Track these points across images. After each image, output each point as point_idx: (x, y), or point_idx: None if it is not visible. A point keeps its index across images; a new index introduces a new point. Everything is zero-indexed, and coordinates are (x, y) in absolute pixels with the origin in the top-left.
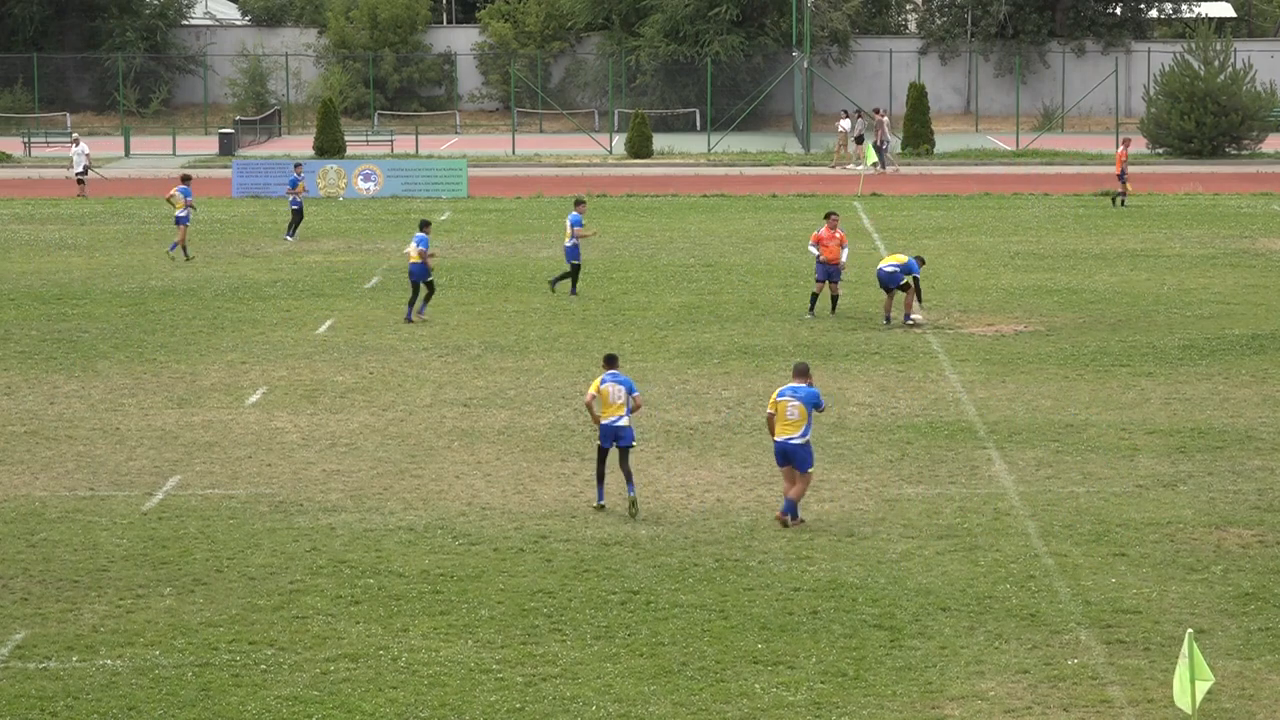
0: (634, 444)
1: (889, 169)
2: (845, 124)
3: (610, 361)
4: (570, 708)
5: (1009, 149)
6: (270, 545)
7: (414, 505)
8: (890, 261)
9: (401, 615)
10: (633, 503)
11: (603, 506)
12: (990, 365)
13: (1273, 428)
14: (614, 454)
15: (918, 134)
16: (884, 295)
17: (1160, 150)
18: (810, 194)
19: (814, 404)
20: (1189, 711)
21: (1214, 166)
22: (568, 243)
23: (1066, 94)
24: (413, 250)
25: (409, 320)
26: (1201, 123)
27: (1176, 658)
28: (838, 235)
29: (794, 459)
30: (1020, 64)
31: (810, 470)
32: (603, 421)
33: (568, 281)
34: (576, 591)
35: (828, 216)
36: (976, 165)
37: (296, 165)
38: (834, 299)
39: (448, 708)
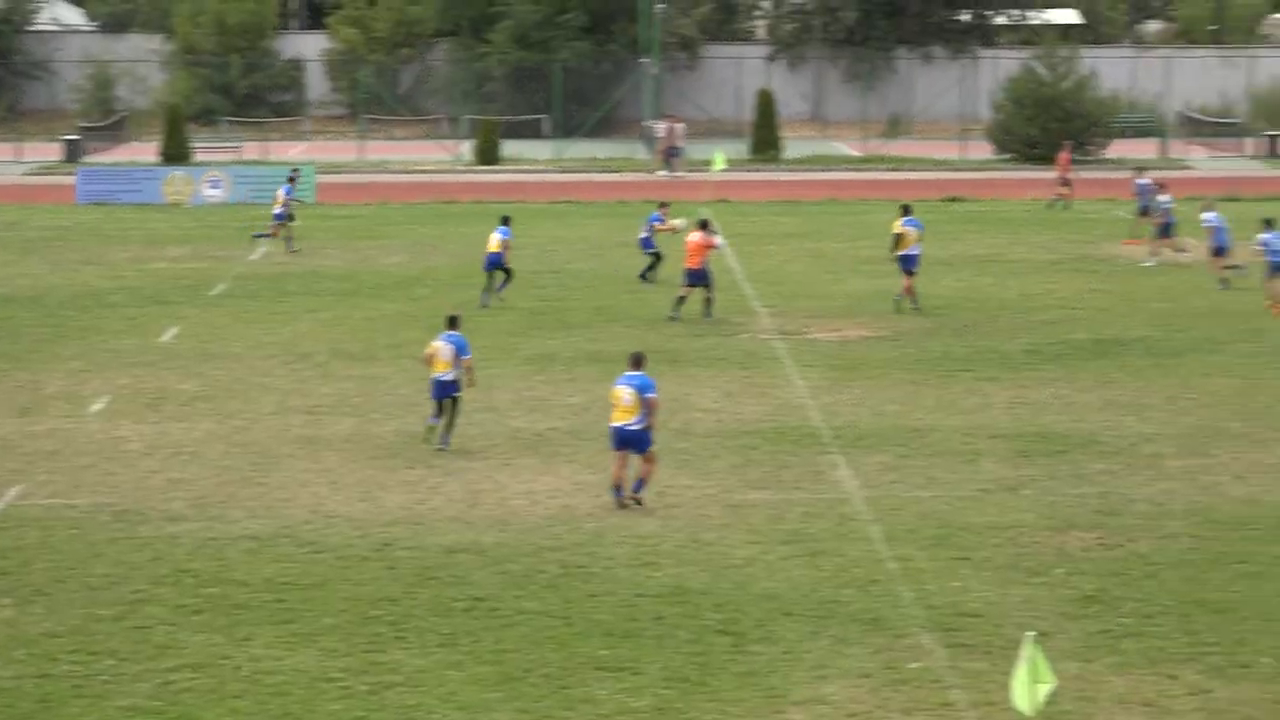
0: (459, 395)
1: (676, 174)
2: (662, 128)
3: (451, 322)
4: (414, 716)
5: (856, 155)
6: (112, 555)
7: (258, 513)
8: None
9: (245, 624)
10: (441, 437)
11: (442, 449)
12: (836, 370)
13: (1115, 432)
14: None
15: (765, 140)
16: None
17: (1006, 156)
18: (659, 200)
19: (644, 390)
20: (1029, 714)
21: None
22: (642, 235)
23: (914, 100)
24: (495, 240)
25: (484, 306)
26: (1047, 128)
27: (1018, 660)
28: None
29: (631, 443)
30: (868, 71)
31: (651, 450)
32: (432, 375)
33: (653, 272)
34: (421, 599)
35: (703, 225)
36: (824, 171)
37: (294, 171)
38: (707, 301)
39: (291, 717)
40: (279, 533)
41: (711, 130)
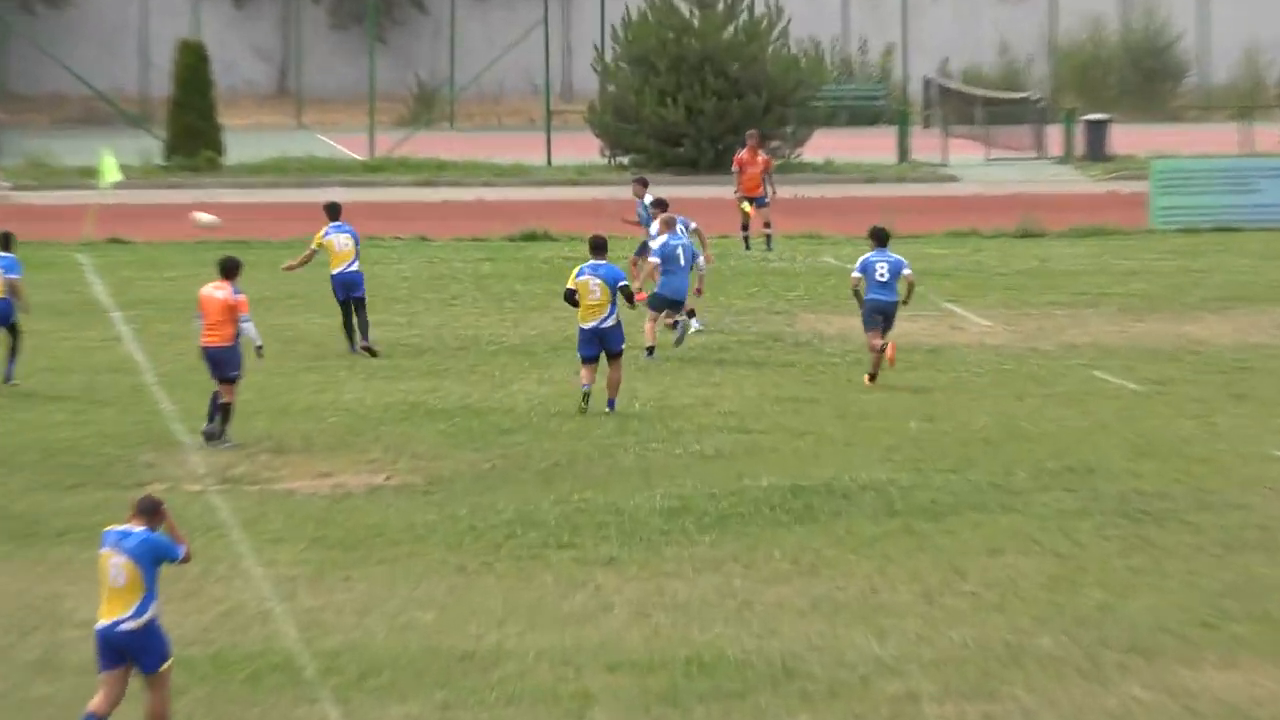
0: None
1: None
2: None
3: None
4: None
5: None
6: None
7: None
8: None
9: None
10: None
11: None
12: (326, 549)
13: None
14: None
15: None
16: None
17: (624, 158)
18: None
19: (153, 557)
20: None
21: (718, 189)
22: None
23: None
24: None
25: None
26: (698, 113)
27: None
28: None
29: (129, 650)
30: None
31: (166, 666)
32: None
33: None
34: None
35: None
36: None
37: None
38: (225, 407)
39: None
40: None
41: None
